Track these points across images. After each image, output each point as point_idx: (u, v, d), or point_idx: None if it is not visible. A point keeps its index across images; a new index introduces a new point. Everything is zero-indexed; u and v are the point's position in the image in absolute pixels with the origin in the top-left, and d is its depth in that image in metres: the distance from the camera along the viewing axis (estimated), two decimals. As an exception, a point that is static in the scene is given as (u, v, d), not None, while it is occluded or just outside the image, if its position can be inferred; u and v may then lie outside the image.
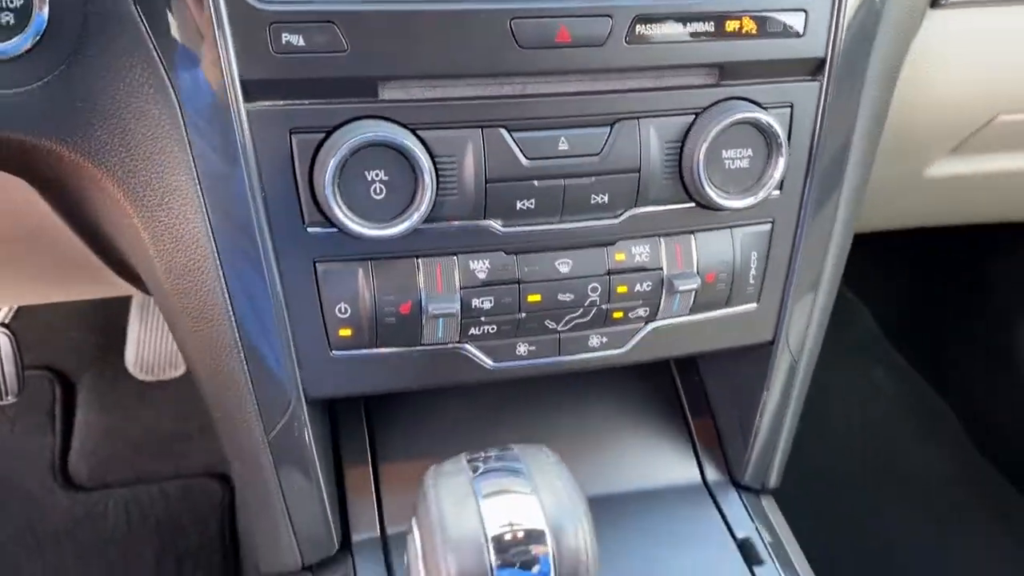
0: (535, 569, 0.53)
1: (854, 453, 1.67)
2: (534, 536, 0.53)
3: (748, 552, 0.88)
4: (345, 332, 0.74)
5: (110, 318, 1.90)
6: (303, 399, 0.76)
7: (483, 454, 0.60)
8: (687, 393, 0.98)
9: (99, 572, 1.69)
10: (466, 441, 0.91)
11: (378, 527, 0.86)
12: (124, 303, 1.87)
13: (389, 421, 0.92)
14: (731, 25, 0.71)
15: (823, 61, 0.75)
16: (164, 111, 0.66)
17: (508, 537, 0.53)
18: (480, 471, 0.58)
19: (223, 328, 0.72)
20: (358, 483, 0.87)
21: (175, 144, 0.67)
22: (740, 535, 0.89)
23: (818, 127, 0.78)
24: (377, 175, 0.68)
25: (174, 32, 0.65)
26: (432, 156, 0.68)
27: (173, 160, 0.68)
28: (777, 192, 0.78)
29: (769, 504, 0.96)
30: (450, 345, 0.77)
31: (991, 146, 1.03)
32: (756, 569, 0.86)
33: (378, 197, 0.68)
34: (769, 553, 0.88)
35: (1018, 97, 0.97)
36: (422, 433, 0.92)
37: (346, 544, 0.85)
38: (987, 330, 2.15)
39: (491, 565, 0.53)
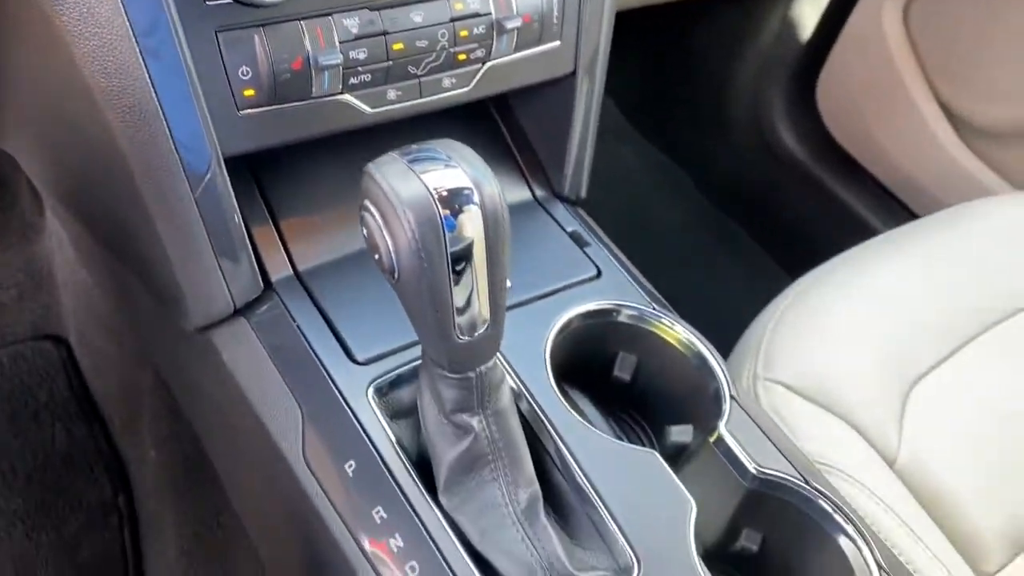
0: (469, 211, 0.72)
1: (619, 217, 2.02)
2: (464, 190, 0.72)
3: (577, 239, 1.14)
4: (249, 92, 0.89)
5: None
6: (220, 157, 0.90)
7: (407, 149, 0.76)
8: (510, 133, 1.21)
9: None
10: (343, 189, 1.09)
11: (290, 267, 1.03)
12: None
13: (274, 185, 1.07)
14: None
15: None
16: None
17: (445, 193, 0.72)
18: (410, 158, 0.75)
19: (146, 100, 0.84)
20: (263, 235, 1.03)
21: (82, -68, 0.77)
22: (569, 229, 1.15)
23: None
24: None
25: None
26: None
27: (81, -52, 0.77)
28: (566, -55, 1.00)
29: (582, 211, 1.23)
30: (335, 97, 0.94)
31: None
32: (585, 249, 1.13)
33: None
34: (592, 237, 1.15)
35: None
36: (302, 191, 1.08)
37: (267, 285, 1.02)
38: (702, 95, 2.56)
39: (439, 212, 0.72)
